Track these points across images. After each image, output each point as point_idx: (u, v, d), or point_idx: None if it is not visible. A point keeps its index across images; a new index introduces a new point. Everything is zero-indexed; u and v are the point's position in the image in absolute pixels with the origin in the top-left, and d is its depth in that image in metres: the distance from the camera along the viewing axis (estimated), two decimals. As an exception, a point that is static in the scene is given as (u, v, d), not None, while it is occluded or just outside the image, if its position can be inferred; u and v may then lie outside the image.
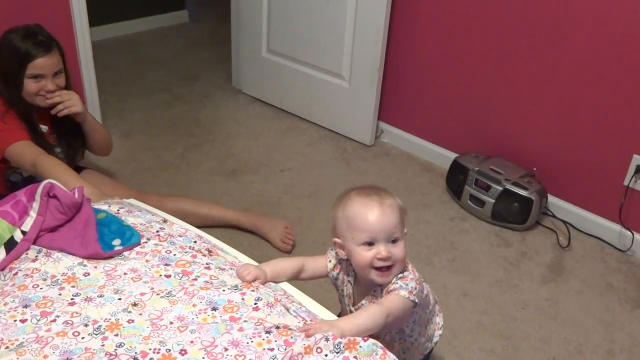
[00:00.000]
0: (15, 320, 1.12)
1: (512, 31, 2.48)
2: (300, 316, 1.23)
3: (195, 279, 1.27)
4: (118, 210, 1.51)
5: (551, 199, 2.58)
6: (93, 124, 2.27)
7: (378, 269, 1.34)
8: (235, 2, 3.37)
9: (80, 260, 1.30)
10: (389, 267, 1.34)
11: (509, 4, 2.45)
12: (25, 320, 1.13)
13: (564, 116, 2.45)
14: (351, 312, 1.46)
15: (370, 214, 1.32)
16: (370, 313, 1.28)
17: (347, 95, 3.04)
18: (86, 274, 1.26)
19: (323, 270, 1.49)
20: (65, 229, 1.38)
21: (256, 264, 1.42)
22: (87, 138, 2.28)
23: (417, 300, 1.35)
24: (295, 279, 1.46)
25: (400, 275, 1.36)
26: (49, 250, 1.32)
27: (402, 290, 1.33)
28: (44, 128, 2.15)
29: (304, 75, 3.17)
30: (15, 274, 1.25)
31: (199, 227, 2.24)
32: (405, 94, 2.97)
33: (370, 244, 1.33)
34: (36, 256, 1.30)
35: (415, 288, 1.35)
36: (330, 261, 1.48)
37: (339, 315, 1.47)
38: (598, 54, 2.28)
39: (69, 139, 2.25)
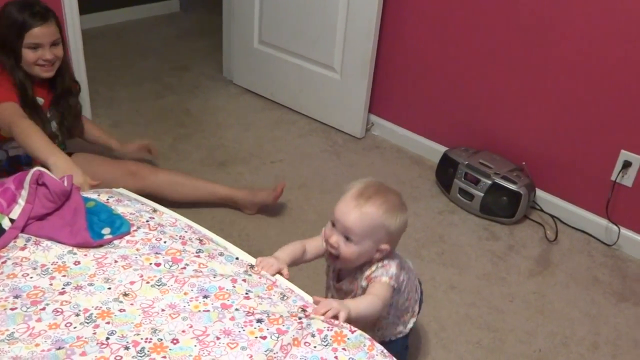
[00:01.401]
0: (5, 310, 1.12)
1: (503, 26, 2.49)
2: (297, 303, 1.24)
3: (185, 267, 1.27)
4: (107, 199, 1.51)
5: (539, 193, 2.60)
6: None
7: (328, 249, 1.42)
8: (226, -8, 3.36)
9: (70, 248, 1.30)
10: (334, 255, 1.41)
11: (500, 0, 2.47)
12: (15, 308, 1.12)
13: (553, 111, 2.47)
14: (334, 287, 1.53)
15: (343, 203, 1.38)
16: (371, 300, 1.35)
17: (338, 88, 3.05)
18: (76, 263, 1.26)
19: (322, 248, 1.52)
20: (54, 217, 1.38)
21: (246, 259, 1.43)
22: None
23: (395, 286, 1.42)
24: (303, 261, 1.52)
25: (381, 264, 1.42)
26: (38, 239, 1.31)
27: (383, 276, 1.40)
28: (40, 100, 2.14)
29: (295, 67, 3.17)
30: (4, 262, 1.24)
31: (190, 200, 2.31)
32: (396, 87, 2.97)
33: (333, 224, 1.40)
34: (25, 244, 1.29)
35: (394, 273, 1.42)
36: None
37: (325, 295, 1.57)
38: (587, 50, 2.29)
39: (66, 113, 2.25)
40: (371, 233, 1.37)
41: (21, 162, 2.16)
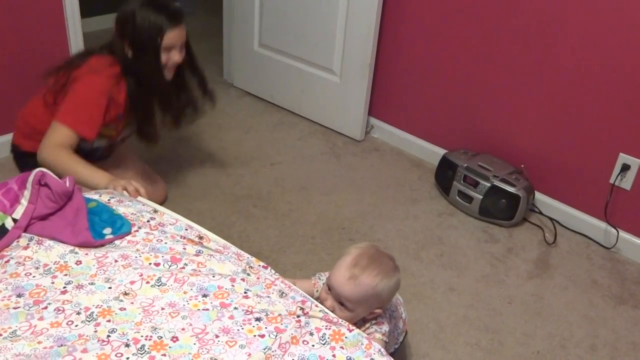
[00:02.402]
0: (8, 308, 1.13)
1: (502, 29, 2.50)
2: (296, 302, 1.25)
3: (184, 267, 1.28)
4: (109, 199, 1.52)
5: (538, 195, 2.61)
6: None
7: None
8: (227, -5, 3.38)
9: (72, 247, 1.31)
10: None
11: (499, 4, 2.48)
12: (18, 307, 1.14)
13: (552, 114, 2.48)
14: None
15: (339, 272, 1.45)
16: None
17: (338, 90, 3.06)
18: (78, 262, 1.27)
19: (310, 291, 1.61)
20: (56, 217, 1.39)
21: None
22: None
23: (387, 340, 1.53)
24: None
25: (374, 321, 1.52)
26: (40, 238, 1.32)
27: (377, 333, 1.50)
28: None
29: (295, 70, 3.18)
30: (7, 261, 1.25)
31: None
32: (396, 90, 2.99)
33: (329, 288, 1.47)
34: (28, 244, 1.30)
35: (387, 330, 1.52)
36: (317, 290, 1.62)
37: None
38: (586, 53, 2.31)
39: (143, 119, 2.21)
40: (365, 302, 1.44)
41: (101, 148, 2.20)
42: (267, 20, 3.19)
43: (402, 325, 1.71)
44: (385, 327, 1.52)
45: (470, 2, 2.56)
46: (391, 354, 1.64)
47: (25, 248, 1.29)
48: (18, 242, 1.31)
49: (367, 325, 1.51)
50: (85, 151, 2.02)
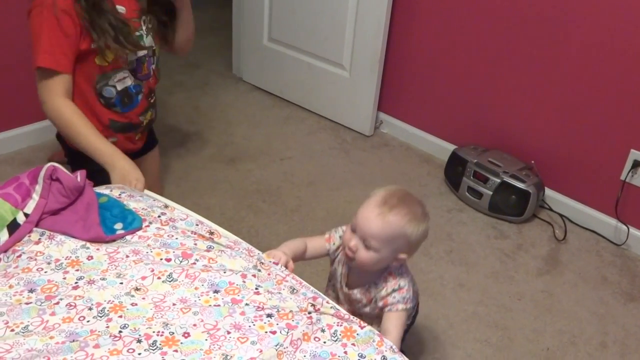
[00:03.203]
0: (20, 304, 1.14)
1: (513, 25, 2.49)
2: (307, 298, 1.25)
3: (195, 263, 1.28)
4: (120, 194, 1.52)
5: (548, 192, 2.60)
6: (190, 13, 2.07)
7: (346, 251, 1.43)
8: (237, -11, 3.37)
9: (83, 243, 1.31)
10: (351, 257, 1.41)
11: (511, -3, 2.46)
12: (30, 302, 1.14)
13: (563, 110, 2.47)
14: (343, 291, 1.52)
15: (366, 209, 1.38)
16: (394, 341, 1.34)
17: (347, 85, 3.05)
18: (89, 257, 1.27)
19: (322, 249, 1.55)
20: (67, 212, 1.39)
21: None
22: (176, 28, 2.04)
23: (412, 306, 1.45)
24: (302, 259, 1.52)
25: (397, 287, 1.43)
26: (52, 233, 1.33)
27: (400, 304, 1.42)
28: (121, 9, 1.81)
29: (304, 65, 3.18)
30: (19, 256, 1.26)
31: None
32: (406, 85, 2.98)
33: (353, 230, 1.40)
34: (39, 239, 1.31)
35: (410, 297, 1.44)
36: (334, 244, 1.54)
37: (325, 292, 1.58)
38: (597, 49, 2.29)
39: (160, 21, 1.95)
40: (392, 242, 1.37)
41: (131, 92, 1.91)
42: (277, 14, 3.18)
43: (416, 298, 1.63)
44: (409, 294, 1.43)
45: (481, -3, 2.55)
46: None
47: (37, 243, 1.30)
48: (29, 236, 1.32)
49: (389, 289, 1.43)
50: (113, 98, 1.87)
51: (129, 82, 1.90)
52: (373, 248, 1.37)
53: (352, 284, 1.50)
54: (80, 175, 1.42)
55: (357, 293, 1.48)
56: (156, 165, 2.30)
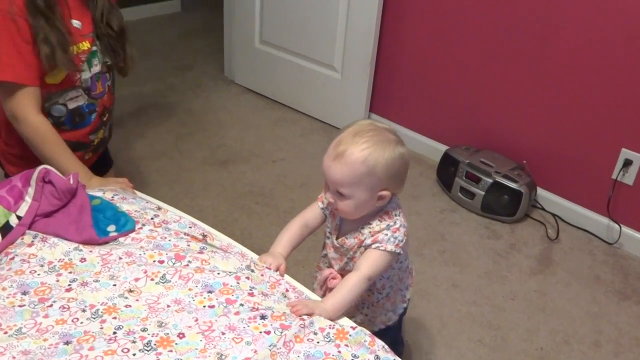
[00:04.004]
0: (13, 306, 1.13)
1: (503, 25, 2.50)
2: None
3: (187, 265, 1.28)
4: (112, 197, 1.51)
5: (540, 191, 2.61)
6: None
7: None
8: (228, -8, 3.37)
9: (76, 245, 1.31)
10: (336, 209, 1.34)
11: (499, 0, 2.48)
12: (23, 305, 1.13)
13: (554, 110, 2.48)
14: (333, 245, 1.44)
15: (325, 158, 1.29)
16: (349, 287, 1.28)
17: (339, 87, 3.06)
18: (82, 260, 1.27)
19: (321, 213, 1.47)
20: (60, 214, 1.38)
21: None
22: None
23: (401, 252, 1.34)
24: (307, 235, 1.46)
25: (392, 223, 1.33)
26: (44, 235, 1.32)
27: (389, 244, 1.31)
28: (76, 24, 1.69)
29: (296, 67, 3.18)
30: (12, 258, 1.25)
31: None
32: (397, 87, 2.98)
33: (327, 184, 1.33)
34: (32, 241, 1.30)
35: (402, 240, 1.33)
36: (324, 201, 1.45)
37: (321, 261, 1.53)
38: (588, 48, 2.30)
39: (114, 43, 1.84)
40: (359, 182, 1.26)
41: (83, 112, 1.79)
42: (268, 16, 3.19)
43: (410, 279, 1.57)
44: (400, 237, 1.32)
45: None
46: (399, 318, 1.58)
47: (30, 245, 1.29)
48: (22, 239, 1.31)
49: (383, 225, 1.32)
50: (63, 117, 1.75)
51: (82, 101, 1.77)
52: (346, 195, 1.27)
53: (344, 232, 1.41)
54: (72, 178, 1.42)
55: (349, 238, 1.38)
56: None
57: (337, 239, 1.43)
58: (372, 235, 1.33)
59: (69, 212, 1.38)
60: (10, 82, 1.57)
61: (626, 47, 2.21)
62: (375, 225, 1.33)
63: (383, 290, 1.48)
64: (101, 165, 2.05)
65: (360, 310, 1.53)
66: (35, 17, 1.55)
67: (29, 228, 1.34)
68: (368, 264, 1.30)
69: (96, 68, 1.78)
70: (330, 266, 1.48)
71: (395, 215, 1.35)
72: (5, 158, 1.87)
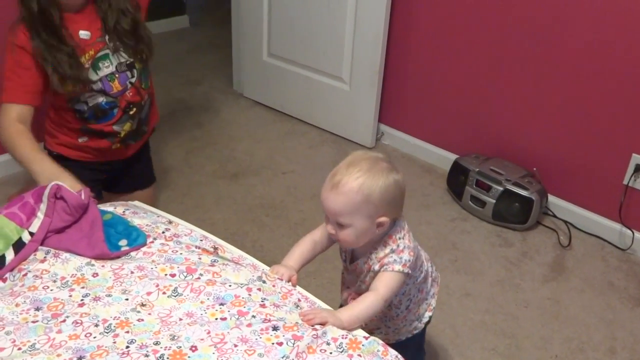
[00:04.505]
0: (27, 322, 1.14)
1: (511, 33, 2.50)
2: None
3: (199, 278, 1.29)
4: (124, 211, 1.53)
5: (551, 198, 2.60)
6: None
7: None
8: (235, 6, 3.40)
9: (88, 260, 1.32)
10: (338, 240, 1.37)
11: (506, 6, 2.48)
12: (37, 321, 1.14)
13: (564, 116, 2.47)
14: (346, 269, 1.49)
15: (323, 191, 1.32)
16: (367, 304, 1.31)
17: (347, 98, 3.07)
18: (95, 275, 1.28)
19: (328, 237, 1.48)
20: (72, 230, 1.40)
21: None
22: None
23: (410, 272, 1.36)
24: (317, 254, 1.49)
25: (395, 247, 1.36)
26: (57, 251, 1.33)
27: (396, 264, 1.34)
28: (84, 35, 1.82)
29: (304, 79, 3.20)
30: (25, 274, 1.26)
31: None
32: (405, 97, 2.99)
33: (327, 216, 1.36)
34: (45, 257, 1.31)
35: (409, 260, 1.35)
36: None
37: (342, 280, 1.57)
38: (597, 54, 2.30)
39: (128, 40, 1.91)
40: (357, 210, 1.29)
41: (104, 108, 1.92)
42: (276, 30, 3.21)
43: (435, 288, 1.58)
44: (407, 257, 1.35)
45: (478, 7, 2.56)
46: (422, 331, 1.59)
47: (42, 261, 1.30)
48: (35, 255, 1.32)
49: (387, 250, 1.36)
50: (85, 112, 1.91)
51: (101, 99, 1.91)
52: (345, 225, 1.30)
53: (356, 257, 1.45)
54: (84, 193, 1.43)
55: (360, 263, 1.42)
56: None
57: (350, 263, 1.47)
58: (379, 261, 1.37)
59: (81, 228, 1.39)
60: (6, 102, 1.78)
61: (635, 53, 2.20)
62: (380, 250, 1.38)
63: (401, 305, 1.50)
64: (142, 179, 2.28)
65: (384, 323, 1.55)
66: (39, 48, 1.73)
67: (42, 244, 1.35)
68: (382, 285, 1.34)
69: (107, 70, 1.88)
70: (346, 286, 1.53)
71: (399, 238, 1.38)
72: (49, 133, 2.03)
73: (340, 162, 1.34)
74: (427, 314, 1.58)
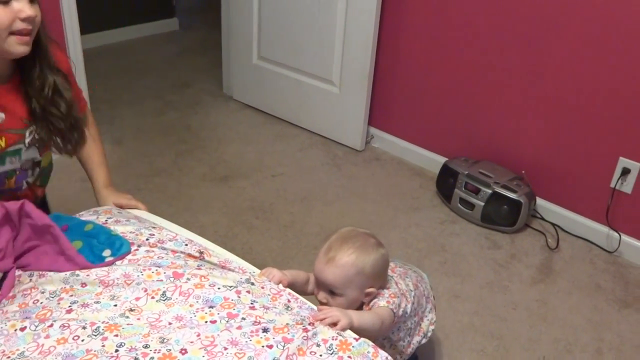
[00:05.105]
0: (15, 330, 1.13)
1: (499, 37, 2.52)
2: (301, 314, 1.25)
3: (187, 282, 1.28)
4: (106, 220, 1.49)
5: (539, 201, 2.61)
6: None
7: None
8: (225, 9, 3.40)
9: (72, 271, 1.30)
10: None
11: (495, 11, 2.49)
12: (25, 328, 1.13)
13: (552, 120, 2.49)
14: None
15: (317, 262, 1.46)
16: (373, 316, 1.41)
17: (337, 101, 3.07)
18: (83, 285, 1.26)
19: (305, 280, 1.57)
20: (44, 245, 1.35)
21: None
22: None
23: (394, 309, 1.46)
24: (304, 290, 1.55)
25: (377, 292, 1.49)
26: (41, 272, 1.30)
27: (380, 301, 1.46)
28: None
29: (294, 82, 3.20)
30: (14, 297, 1.25)
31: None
32: (395, 100, 3.00)
33: (318, 284, 1.48)
34: (30, 279, 1.29)
35: (393, 301, 1.47)
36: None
37: None
38: (584, 59, 2.32)
39: (58, 126, 1.51)
40: (351, 282, 1.43)
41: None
42: (266, 33, 3.21)
43: (428, 303, 1.69)
44: (387, 292, 1.49)
45: (467, 11, 2.58)
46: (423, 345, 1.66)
47: (28, 283, 1.28)
48: (19, 280, 1.30)
49: (373, 299, 1.48)
50: None
51: None
52: (338, 294, 1.43)
53: None
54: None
55: None
56: None
57: None
58: (367, 308, 1.48)
59: (48, 241, 1.34)
60: None
61: (623, 57, 2.22)
62: (365, 306, 1.50)
63: (399, 334, 1.58)
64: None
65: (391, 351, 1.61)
66: None
67: (18, 260, 1.32)
68: (379, 309, 1.45)
69: (10, 166, 1.50)
70: None
71: (381, 290, 1.50)
72: None
73: (330, 237, 1.49)
74: (431, 328, 1.68)
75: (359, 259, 1.43)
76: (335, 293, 1.44)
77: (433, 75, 2.81)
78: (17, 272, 1.32)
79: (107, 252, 1.35)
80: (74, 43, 2.75)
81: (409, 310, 1.53)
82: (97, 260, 1.33)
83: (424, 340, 1.65)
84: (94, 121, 1.77)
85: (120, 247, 1.37)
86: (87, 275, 1.29)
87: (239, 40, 3.36)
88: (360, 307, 1.49)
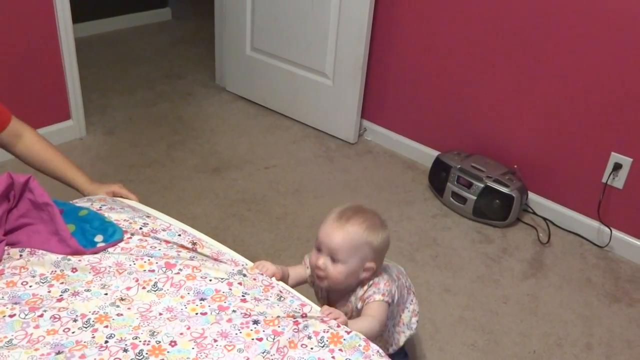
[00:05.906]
0: (4, 316, 1.12)
1: (494, 31, 2.52)
2: (293, 306, 1.25)
3: (179, 272, 1.28)
4: (100, 207, 1.50)
5: (531, 196, 2.62)
6: None
7: (316, 272, 1.47)
8: (218, -1, 3.38)
9: (64, 255, 1.30)
10: (322, 277, 1.46)
11: (490, 5, 2.49)
12: (14, 315, 1.13)
13: (545, 114, 2.49)
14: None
15: (326, 226, 1.45)
16: (369, 323, 1.40)
17: (330, 94, 3.06)
18: (74, 270, 1.26)
19: (303, 276, 1.58)
20: (38, 224, 1.34)
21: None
22: None
23: (389, 301, 1.47)
24: (295, 281, 1.56)
25: (370, 282, 1.48)
26: (32, 250, 1.30)
27: (376, 295, 1.46)
28: None
29: (287, 74, 3.19)
30: (2, 272, 1.24)
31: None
32: (389, 93, 2.99)
33: (318, 250, 1.46)
34: (20, 255, 1.29)
35: (388, 290, 1.47)
36: (308, 267, 1.57)
37: None
38: (578, 54, 2.32)
39: None
40: (356, 251, 1.42)
41: None
42: (259, 24, 3.19)
43: (410, 294, 1.68)
44: (383, 287, 1.48)
45: (462, 4, 2.57)
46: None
47: (18, 259, 1.28)
48: (9, 254, 1.29)
49: (365, 287, 1.48)
50: None
51: None
52: (341, 261, 1.42)
53: (333, 302, 1.53)
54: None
55: (339, 308, 1.50)
56: None
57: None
58: (360, 299, 1.48)
59: (43, 220, 1.34)
60: None
61: (615, 52, 2.23)
62: (359, 290, 1.49)
63: (386, 328, 1.58)
64: None
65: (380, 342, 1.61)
66: None
67: (8, 235, 1.31)
68: (374, 310, 1.44)
69: None
70: None
71: (374, 276, 1.50)
72: None
73: (339, 208, 1.48)
74: (415, 319, 1.67)
75: (369, 229, 1.43)
76: (336, 260, 1.42)
77: (427, 68, 2.80)
78: (7, 248, 1.31)
79: (99, 238, 1.35)
80: (65, 32, 2.72)
81: (396, 299, 1.54)
82: (89, 245, 1.33)
83: (408, 332, 1.64)
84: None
85: (112, 234, 1.37)
86: (79, 260, 1.28)
87: (232, 31, 3.34)
88: (355, 289, 1.49)
